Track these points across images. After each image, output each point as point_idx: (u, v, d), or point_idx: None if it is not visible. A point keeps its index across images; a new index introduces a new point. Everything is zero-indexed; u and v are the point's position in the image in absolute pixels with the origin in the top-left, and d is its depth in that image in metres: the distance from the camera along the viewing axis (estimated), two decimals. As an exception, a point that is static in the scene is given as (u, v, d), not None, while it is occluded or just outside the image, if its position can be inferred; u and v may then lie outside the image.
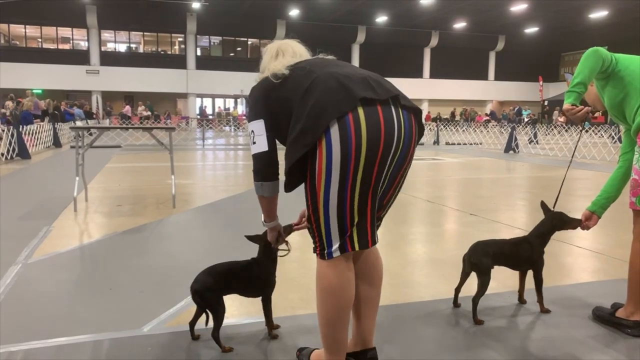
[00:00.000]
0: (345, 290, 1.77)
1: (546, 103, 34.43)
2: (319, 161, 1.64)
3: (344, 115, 1.59)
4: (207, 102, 34.22)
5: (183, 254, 3.64)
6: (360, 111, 1.61)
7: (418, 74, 37.29)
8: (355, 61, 35.77)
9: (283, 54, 1.95)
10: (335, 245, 1.72)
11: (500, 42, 37.37)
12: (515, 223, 4.78)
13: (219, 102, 34.97)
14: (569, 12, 29.60)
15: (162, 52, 33.58)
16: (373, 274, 1.92)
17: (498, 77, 38.24)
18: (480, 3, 28.31)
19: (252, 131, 1.79)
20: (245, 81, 32.30)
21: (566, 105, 2.28)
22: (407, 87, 32.78)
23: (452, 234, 4.50)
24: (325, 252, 1.74)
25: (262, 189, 1.83)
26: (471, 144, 17.40)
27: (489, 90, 38.14)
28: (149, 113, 28.20)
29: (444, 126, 24.40)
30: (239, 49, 35.44)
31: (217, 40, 34.54)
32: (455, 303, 2.64)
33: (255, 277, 2.21)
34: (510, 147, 13.75)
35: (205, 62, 32.88)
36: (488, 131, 20.27)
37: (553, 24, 32.97)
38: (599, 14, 29.86)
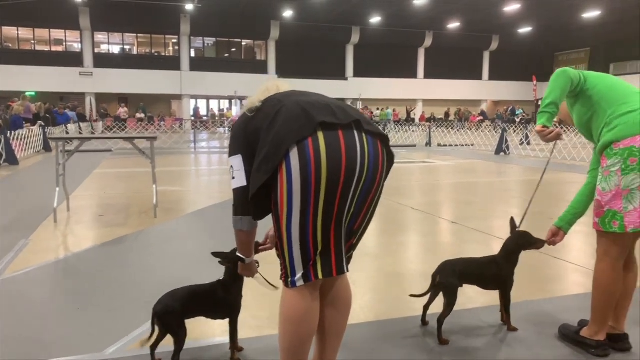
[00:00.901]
0: (307, 321, 1.76)
1: (540, 102, 34.48)
2: (280, 188, 1.64)
3: (303, 140, 1.60)
4: (202, 103, 34.15)
5: (160, 268, 3.63)
6: (320, 135, 1.61)
7: (412, 74, 37.31)
8: (350, 62, 35.80)
9: (268, 91, 1.95)
10: (299, 274, 1.71)
11: (494, 42, 37.41)
12: (498, 233, 4.77)
13: (214, 104, 34.93)
14: (562, 11, 29.66)
15: (156, 54, 33.50)
16: (340, 305, 1.89)
17: (492, 77, 38.28)
18: (474, 3, 28.33)
19: (232, 166, 1.80)
20: (239, 82, 32.30)
21: (538, 127, 2.28)
22: (401, 87, 33.12)
23: (433, 245, 4.48)
24: (289, 280, 1.74)
25: (242, 223, 1.82)
26: (463, 145, 17.41)
27: (483, 90, 38.18)
28: (143, 115, 28.16)
29: (437, 127, 24.42)
30: (233, 50, 35.39)
31: (211, 42, 34.47)
32: (424, 321, 2.63)
33: (220, 300, 2.20)
34: (501, 149, 13.77)
35: (200, 64, 32.81)
36: (480, 132, 20.29)
37: (546, 24, 33.02)
38: (592, 14, 29.93)
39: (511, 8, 28.75)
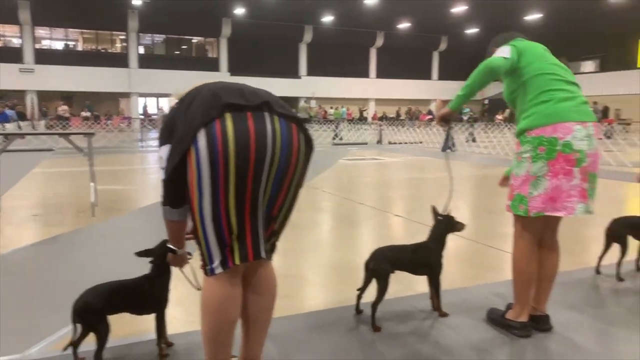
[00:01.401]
0: (227, 308, 1.74)
1: (486, 101, 35.65)
2: (190, 171, 1.63)
3: (211, 121, 1.58)
4: (151, 101, 33.28)
5: (94, 267, 3.50)
6: (228, 117, 1.60)
7: (365, 73, 37.76)
8: (303, 60, 35.84)
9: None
10: (217, 261, 1.69)
11: (443, 42, 38.39)
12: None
13: (164, 102, 34.08)
14: (505, 14, 30.75)
15: (103, 50, 32.42)
16: (264, 291, 1.87)
17: (442, 77, 39.23)
18: (423, 4, 28.96)
19: (161, 157, 1.77)
20: (190, 80, 31.20)
21: (447, 110, 2.37)
22: (354, 86, 33.48)
23: (372, 237, 4.55)
24: (208, 268, 1.72)
25: (171, 213, 1.79)
26: (412, 143, 17.76)
27: (433, 90, 39.02)
28: (89, 113, 27.16)
29: (389, 125, 24.82)
30: (183, 47, 34.71)
31: (161, 39, 33.68)
32: (357, 309, 2.66)
33: (146, 295, 2.14)
34: (447, 146, 14.13)
35: (149, 61, 31.98)
36: (428, 130, 20.77)
37: (492, 25, 34.11)
38: (534, 16, 31.20)
39: (458, 9, 29.59)
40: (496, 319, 2.50)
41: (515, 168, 2.33)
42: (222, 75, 32.79)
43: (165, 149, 1.74)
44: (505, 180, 2.64)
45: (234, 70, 33.11)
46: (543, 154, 2.19)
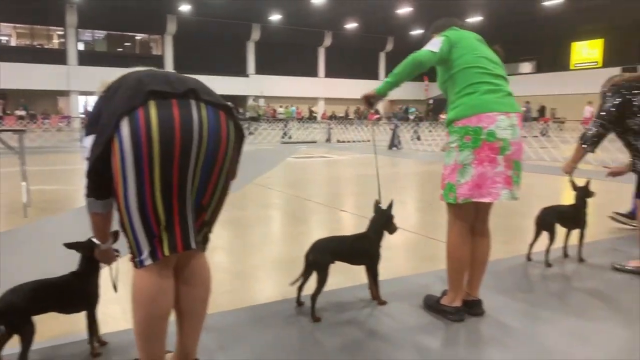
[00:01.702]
0: (158, 301, 1.70)
1: (431, 101, 36.63)
2: (114, 160, 1.58)
3: (134, 109, 1.54)
4: (93, 100, 32.00)
5: (24, 267, 3.33)
6: (152, 105, 1.56)
7: (313, 73, 37.91)
8: (251, 59, 35.56)
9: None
10: (146, 252, 1.65)
11: (390, 43, 39.12)
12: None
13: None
14: (448, 15, 31.58)
15: (39, 46, 30.88)
16: (197, 283, 1.83)
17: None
18: (370, 5, 29.39)
19: (85, 147, 1.71)
20: (134, 78, 30.66)
21: (371, 92, 2.44)
22: (303, 85, 33.43)
23: (319, 233, 4.58)
24: (137, 260, 1.67)
25: (95, 205, 1.73)
26: (360, 141, 18.00)
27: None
28: (24, 112, 25.82)
29: (337, 124, 25.03)
30: (127, 44, 33.62)
31: (102, 35, 32.47)
32: (298, 301, 2.67)
33: (74, 292, 2.06)
34: (394, 144, 14.42)
35: (89, 58, 30.71)
36: (375, 129, 21.11)
37: (436, 27, 35.10)
38: (475, 19, 32.32)
39: (403, 11, 30.23)
40: (432, 305, 2.58)
41: (446, 158, 2.41)
42: (168, 74, 31.96)
43: (90, 139, 1.68)
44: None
45: (179, 68, 32.33)
46: (469, 143, 2.28)
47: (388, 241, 4.13)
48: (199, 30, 32.38)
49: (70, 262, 2.05)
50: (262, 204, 5.84)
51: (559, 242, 3.49)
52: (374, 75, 39.67)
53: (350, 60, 37.95)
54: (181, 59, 32.70)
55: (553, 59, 34.11)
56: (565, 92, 31.10)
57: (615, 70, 29.25)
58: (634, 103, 3.08)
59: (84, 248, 2.05)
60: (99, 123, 1.65)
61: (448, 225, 2.49)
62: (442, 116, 29.94)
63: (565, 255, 3.61)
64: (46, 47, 31.10)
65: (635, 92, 3.09)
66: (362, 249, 2.66)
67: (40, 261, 3.51)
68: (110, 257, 2.00)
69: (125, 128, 1.54)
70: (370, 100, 2.52)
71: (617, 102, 3.14)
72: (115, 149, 1.56)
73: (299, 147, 15.52)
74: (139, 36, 33.56)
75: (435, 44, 2.37)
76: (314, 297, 2.49)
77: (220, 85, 35.82)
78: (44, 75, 28.71)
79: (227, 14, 31.28)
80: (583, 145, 3.32)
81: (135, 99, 1.56)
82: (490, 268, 3.00)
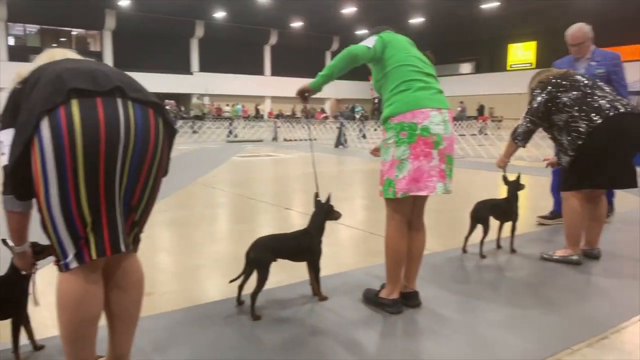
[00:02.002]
0: (85, 305, 1.63)
1: (376, 101, 37.21)
2: (34, 163, 1.51)
3: (55, 108, 1.47)
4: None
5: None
6: (74, 103, 1.49)
7: (260, 71, 37.61)
8: (195, 56, 34.85)
9: (42, 61, 1.77)
10: (71, 255, 1.58)
11: (335, 42, 39.41)
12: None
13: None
14: (391, 16, 32.32)
15: (-37, 40, 28.93)
16: (128, 286, 1.77)
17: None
18: (315, 4, 29.49)
19: (1, 141, 1.60)
20: (70, 75, 29.34)
21: (306, 86, 2.52)
22: (249, 83, 33.01)
23: (263, 231, 4.55)
24: (62, 263, 1.60)
25: (13, 203, 1.63)
26: (307, 140, 18.04)
27: (327, 89, 39.79)
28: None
29: (284, 123, 24.98)
30: (62, 39, 32.06)
31: (35, 29, 30.82)
32: (239, 300, 2.65)
33: (3, 298, 1.95)
34: (340, 142, 14.57)
35: (21, 53, 28.92)
36: (322, 128, 21.26)
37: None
38: (417, 20, 33.18)
39: (348, 10, 30.57)
40: (370, 298, 2.63)
41: (384, 154, 2.47)
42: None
43: (6, 133, 1.59)
44: (376, 151, 2.78)
45: (120, 65, 30.88)
46: (405, 139, 2.34)
47: (331, 237, 4.19)
48: (140, 26, 31.38)
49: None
50: (206, 204, 5.74)
51: (492, 234, 3.64)
52: (320, 74, 39.84)
53: (297, 59, 37.91)
54: (121, 56, 31.55)
55: (491, 60, 35.54)
56: (502, 92, 32.46)
57: (548, 72, 31.01)
58: (559, 100, 3.24)
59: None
60: (17, 120, 1.57)
61: (386, 220, 2.54)
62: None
63: (498, 246, 3.77)
64: (-28, 41, 29.18)
65: (562, 89, 3.25)
66: (303, 246, 2.67)
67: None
68: (27, 262, 1.87)
69: (45, 129, 1.46)
70: (304, 94, 2.56)
71: (544, 99, 3.30)
72: (35, 151, 1.49)
73: (244, 146, 15.37)
74: (75, 31, 32.12)
75: (370, 41, 2.48)
76: (253, 295, 2.47)
77: (164, 82, 34.86)
78: (-31, 71, 26.93)
79: (169, 11, 30.49)
80: (515, 141, 3.48)
81: (55, 96, 1.48)
82: (428, 260, 3.11)
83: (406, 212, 2.50)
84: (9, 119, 1.61)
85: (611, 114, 3.06)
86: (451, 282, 3.05)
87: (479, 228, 3.57)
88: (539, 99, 3.32)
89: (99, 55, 31.65)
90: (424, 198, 2.54)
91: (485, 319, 2.51)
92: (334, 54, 32.94)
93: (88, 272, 1.61)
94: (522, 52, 34.15)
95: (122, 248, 1.62)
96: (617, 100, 3.14)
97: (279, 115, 33.48)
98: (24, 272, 1.91)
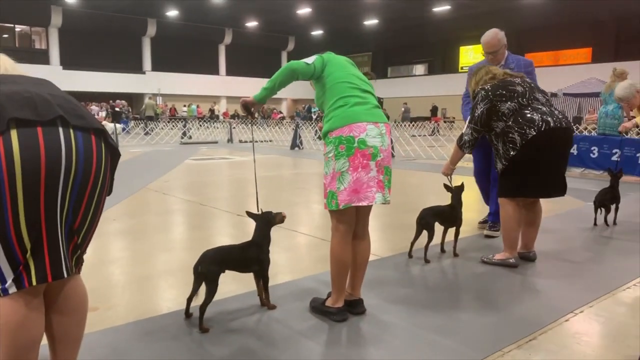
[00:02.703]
0: (25, 331, 1.62)
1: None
2: None
3: None
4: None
5: None
6: (14, 134, 1.50)
7: (214, 70, 37.19)
8: (147, 55, 34.13)
9: None
10: (9, 280, 1.58)
11: (291, 42, 39.49)
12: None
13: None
14: (346, 18, 32.74)
15: None
16: (71, 311, 1.78)
17: (291, 76, 40.25)
18: (270, 4, 29.43)
19: None
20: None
21: (250, 99, 2.63)
22: (203, 83, 32.59)
23: (215, 239, 4.56)
24: (0, 288, 1.59)
25: None
26: (263, 141, 18.03)
27: (283, 89, 40.01)
28: None
29: (240, 123, 24.82)
30: (4, 36, 30.66)
31: (-26, 25, 29.35)
32: (187, 313, 2.67)
33: None
34: (295, 144, 14.64)
35: (-41, 50, 27.62)
36: (278, 129, 21.27)
37: (335, 28, 36.10)
38: (371, 22, 33.69)
39: (303, 11, 30.67)
40: (317, 307, 2.71)
41: (325, 168, 2.56)
42: (54, 69, 29.68)
43: None
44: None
45: (67, 64, 30.19)
46: (343, 152, 2.45)
47: (285, 244, 4.25)
48: (89, 23, 30.42)
49: None
50: (156, 211, 5.68)
51: (437, 238, 3.80)
52: (276, 74, 39.76)
53: (252, 59, 37.73)
54: (69, 54, 30.49)
55: (443, 62, 36.48)
56: (454, 93, 33.34)
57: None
58: (499, 109, 3.42)
59: None
60: None
61: (332, 231, 2.63)
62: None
63: (442, 250, 3.93)
64: None
65: (503, 99, 3.42)
66: (251, 257, 2.71)
67: None
68: None
69: None
70: (248, 107, 2.63)
71: (486, 108, 3.46)
72: None
73: (199, 147, 15.20)
74: (19, 27, 30.74)
75: (310, 59, 2.62)
76: (202, 307, 2.50)
77: (114, 82, 33.84)
78: None
79: (119, 8, 29.71)
80: (461, 148, 3.64)
81: None
82: (375, 265, 3.22)
83: (350, 222, 2.59)
84: None
85: (543, 128, 3.26)
86: (396, 287, 3.17)
87: (424, 233, 3.71)
88: (481, 106, 3.47)
89: (44, 53, 30.52)
90: (367, 208, 2.65)
91: (425, 323, 2.63)
92: (289, 54, 33.13)
93: (28, 297, 1.62)
94: (472, 55, 35.19)
95: (65, 274, 1.63)
96: (549, 114, 3.34)
97: (235, 116, 33.21)
98: None
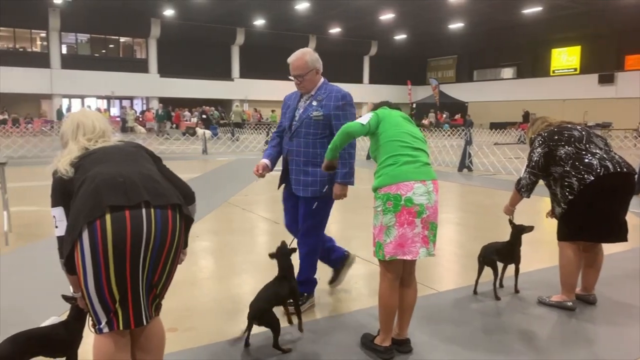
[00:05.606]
0: None
1: (414, 105, 37.18)
2: (76, 256, 1.94)
3: (93, 221, 1.89)
4: (76, 103, 31.96)
5: (13, 303, 3.56)
6: (108, 217, 1.90)
7: (298, 76, 38.07)
8: (236, 63, 35.72)
9: (83, 128, 2.18)
10: (103, 322, 2.00)
11: (373, 47, 39.55)
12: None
13: (91, 102, 32.75)
14: (430, 22, 32.26)
15: (21, 49, 30.74)
16: (151, 349, 2.17)
17: (372, 80, 40.30)
18: (353, 10, 29.77)
19: (54, 216, 2.07)
20: (117, 81, 30.82)
21: (326, 162, 2.88)
22: (287, 89, 33.04)
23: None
24: (97, 327, 2.03)
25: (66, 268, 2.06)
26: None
27: (365, 93, 40.08)
28: (6, 116, 25.79)
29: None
30: (110, 46, 33.60)
31: (85, 38, 32.42)
32: (247, 343, 2.99)
33: (60, 340, 2.34)
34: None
35: (73, 61, 30.72)
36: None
37: (418, 32, 35.69)
38: (456, 25, 32.91)
39: (386, 17, 30.66)
40: (366, 343, 2.93)
41: (374, 219, 2.76)
42: (152, 77, 32.12)
43: (57, 210, 2.05)
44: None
45: (163, 72, 32.50)
46: (391, 208, 2.64)
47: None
48: (183, 34, 32.51)
49: (44, 294, 2.31)
50: (236, 229, 6.06)
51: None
52: (358, 79, 40.00)
53: (335, 64, 38.01)
54: (165, 63, 32.81)
55: (533, 65, 34.79)
56: (545, 98, 31.75)
57: (593, 77, 30.01)
58: (556, 154, 3.45)
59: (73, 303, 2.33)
60: (64, 197, 2.02)
61: (380, 277, 2.83)
62: (424, 121, 30.58)
63: (501, 285, 3.96)
64: (29, 50, 30.98)
65: (560, 143, 3.45)
66: (286, 290, 3.05)
67: (16, 293, 3.74)
68: (84, 303, 2.28)
69: (85, 236, 1.90)
70: (329, 167, 2.92)
71: (544, 152, 3.50)
72: (77, 249, 1.93)
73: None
74: (122, 39, 33.57)
75: (365, 118, 2.80)
76: (275, 339, 2.82)
77: (205, 88, 35.58)
78: (26, 79, 28.61)
79: (211, 19, 31.47)
80: (519, 193, 3.66)
81: (94, 211, 1.90)
82: (433, 300, 3.36)
83: (397, 271, 2.79)
84: (58, 199, 2.08)
85: (602, 174, 3.25)
86: (449, 325, 3.28)
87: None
88: (538, 151, 3.52)
89: (144, 63, 32.98)
90: (413, 260, 2.80)
91: (469, 366, 2.75)
92: (371, 59, 33.01)
93: (117, 337, 2.03)
94: (566, 57, 33.28)
95: (144, 321, 2.04)
96: (608, 159, 3.32)
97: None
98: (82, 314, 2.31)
